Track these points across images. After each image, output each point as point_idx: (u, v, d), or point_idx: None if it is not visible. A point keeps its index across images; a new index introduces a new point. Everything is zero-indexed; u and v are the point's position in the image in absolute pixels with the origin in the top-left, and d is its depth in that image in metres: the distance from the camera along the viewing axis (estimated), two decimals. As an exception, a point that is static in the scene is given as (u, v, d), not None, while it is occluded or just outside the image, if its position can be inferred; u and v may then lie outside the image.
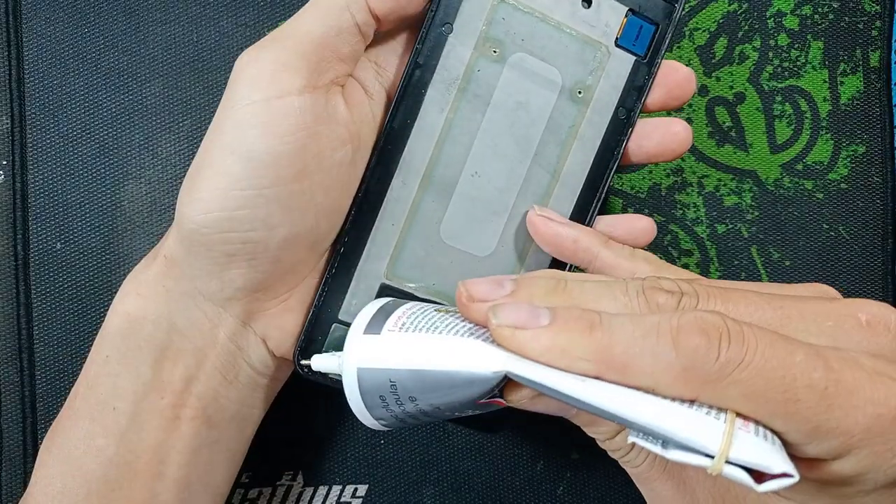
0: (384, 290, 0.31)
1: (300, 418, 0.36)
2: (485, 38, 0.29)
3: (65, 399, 0.36)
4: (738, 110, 0.38)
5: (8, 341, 0.35)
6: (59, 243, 0.36)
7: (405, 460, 0.37)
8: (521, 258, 0.32)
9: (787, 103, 0.38)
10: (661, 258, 0.38)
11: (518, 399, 0.25)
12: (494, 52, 0.30)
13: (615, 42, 0.30)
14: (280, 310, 0.30)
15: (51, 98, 0.36)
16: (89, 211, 0.36)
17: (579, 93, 0.30)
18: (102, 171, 0.36)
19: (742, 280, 0.38)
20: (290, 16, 0.36)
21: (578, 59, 0.30)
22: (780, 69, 0.38)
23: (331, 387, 0.30)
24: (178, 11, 0.36)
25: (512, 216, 0.31)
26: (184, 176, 0.36)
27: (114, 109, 0.36)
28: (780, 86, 0.38)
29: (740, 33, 0.37)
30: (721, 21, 0.37)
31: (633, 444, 0.25)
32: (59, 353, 0.36)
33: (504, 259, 0.32)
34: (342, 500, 0.37)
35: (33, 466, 0.35)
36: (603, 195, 0.31)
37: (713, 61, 0.37)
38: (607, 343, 0.21)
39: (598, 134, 0.31)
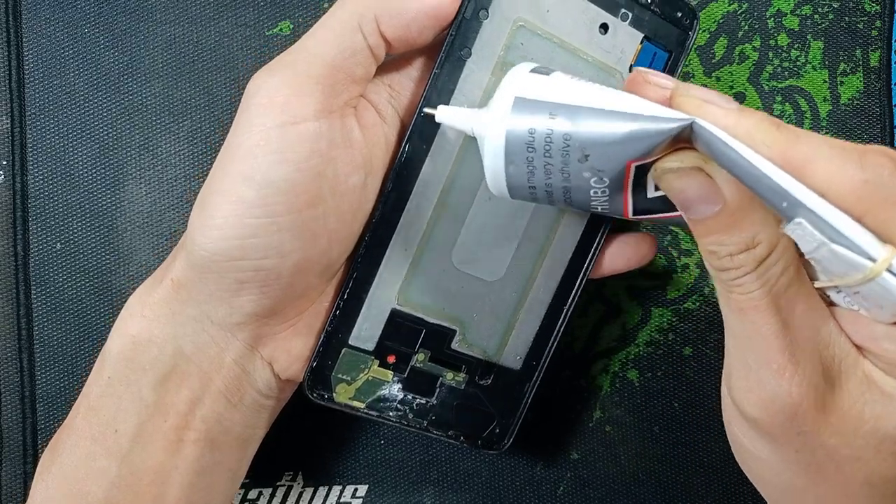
0: (395, 315, 0.31)
1: (300, 418, 0.36)
2: (503, 62, 0.29)
3: (65, 399, 0.36)
4: (738, 110, 0.38)
5: (8, 341, 0.35)
6: (59, 243, 0.36)
7: (405, 460, 0.37)
8: (530, 283, 0.32)
9: (787, 103, 0.38)
10: (661, 259, 0.38)
11: (673, 167, 0.23)
12: None
13: (629, 68, 0.31)
14: (289, 334, 0.30)
15: (51, 98, 0.36)
16: (89, 211, 0.36)
17: None
18: (102, 171, 0.36)
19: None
20: (288, 16, 0.36)
21: None
22: (780, 69, 0.38)
23: (338, 411, 0.30)
24: (178, 11, 0.36)
25: (522, 241, 0.31)
26: (183, 176, 0.36)
27: (114, 109, 0.36)
28: (780, 86, 0.38)
29: (740, 33, 0.37)
30: (721, 21, 0.37)
31: (755, 266, 0.23)
32: (59, 353, 0.36)
33: (513, 283, 0.32)
34: (342, 500, 0.37)
35: (33, 467, 0.35)
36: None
37: (713, 61, 0.37)
38: (793, 139, 0.21)
39: None
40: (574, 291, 0.32)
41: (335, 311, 0.30)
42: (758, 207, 0.22)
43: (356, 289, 0.30)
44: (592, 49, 0.30)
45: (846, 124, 0.38)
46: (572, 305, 0.33)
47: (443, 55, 0.29)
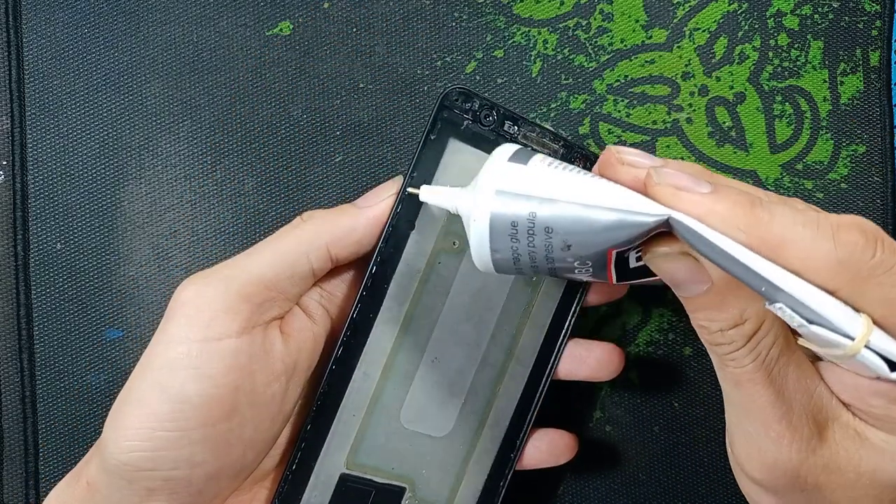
0: (344, 479, 0.31)
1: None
2: (446, 232, 0.31)
3: (65, 399, 0.36)
4: (738, 110, 0.38)
5: (8, 341, 0.35)
6: (59, 243, 0.36)
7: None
8: (478, 434, 0.33)
9: (787, 103, 0.38)
10: (660, 258, 0.38)
11: (660, 253, 0.24)
12: (454, 244, 0.31)
13: None
14: None
15: (51, 98, 0.36)
16: (89, 211, 0.36)
17: (532, 277, 0.32)
18: (102, 171, 0.36)
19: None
20: (288, 17, 0.36)
21: None
22: (780, 69, 0.38)
23: None
24: (177, 12, 0.36)
25: (469, 395, 0.32)
26: (183, 176, 0.36)
27: (114, 110, 0.36)
28: (780, 86, 0.38)
29: (740, 33, 0.37)
30: (721, 21, 0.37)
31: (745, 342, 0.24)
32: (59, 353, 0.36)
33: (461, 437, 0.33)
34: (342, 499, 0.37)
35: (35, 467, 0.36)
36: (555, 367, 0.33)
37: (713, 61, 0.37)
38: (767, 220, 0.22)
39: (550, 312, 0.33)
40: (521, 438, 0.33)
41: (283, 483, 0.31)
42: (743, 286, 0.23)
43: (305, 458, 0.31)
44: None
45: (846, 124, 0.38)
46: (519, 452, 0.33)
47: (388, 229, 0.30)
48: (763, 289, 0.22)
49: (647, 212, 0.23)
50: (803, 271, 0.22)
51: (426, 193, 0.29)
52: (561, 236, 0.24)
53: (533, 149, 0.28)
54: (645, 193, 0.24)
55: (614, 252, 0.24)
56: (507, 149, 0.26)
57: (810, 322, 0.21)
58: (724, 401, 0.27)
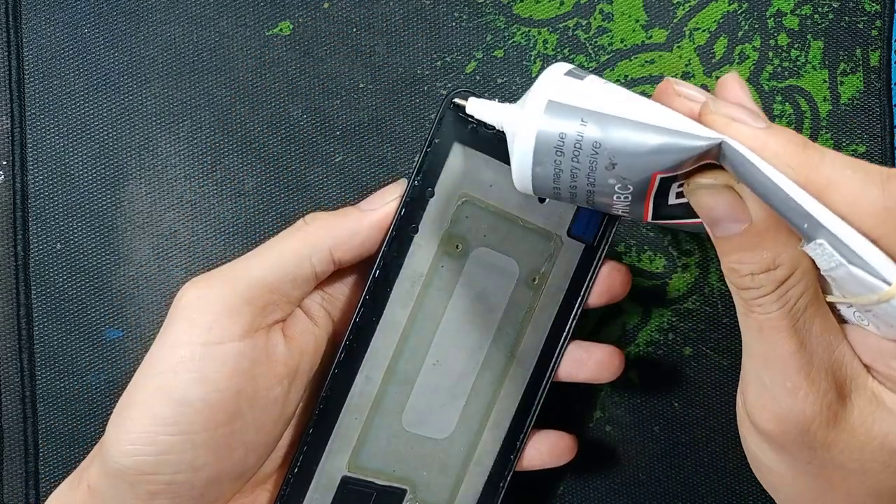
0: (345, 482, 0.31)
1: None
2: (449, 235, 0.31)
3: (65, 399, 0.36)
4: (738, 110, 0.38)
5: (8, 341, 0.35)
6: (59, 243, 0.36)
7: None
8: (478, 437, 0.33)
9: (787, 103, 0.38)
10: (661, 259, 0.38)
11: (704, 183, 0.24)
12: (457, 247, 0.31)
13: (567, 232, 0.32)
14: None
15: (51, 98, 0.36)
16: (89, 211, 0.36)
17: (534, 280, 0.32)
18: (102, 171, 0.36)
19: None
20: (288, 16, 0.36)
21: (534, 250, 0.32)
22: (780, 69, 0.38)
23: None
24: (177, 12, 0.36)
25: (471, 397, 0.32)
26: (183, 176, 0.36)
27: (114, 110, 0.36)
28: (780, 86, 0.38)
29: (740, 33, 0.37)
30: (721, 21, 0.37)
31: (775, 288, 0.24)
32: (59, 353, 0.36)
33: (462, 439, 0.33)
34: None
35: (35, 466, 0.36)
36: (556, 370, 0.33)
37: (713, 61, 0.37)
38: (818, 161, 0.22)
39: (551, 315, 0.33)
40: (521, 440, 0.33)
41: (284, 486, 0.31)
42: (781, 230, 0.23)
43: (307, 461, 0.31)
44: (533, 217, 0.32)
45: (846, 124, 0.38)
46: (519, 453, 0.33)
47: (392, 233, 0.30)
48: (805, 225, 0.21)
49: (701, 134, 0.23)
50: (848, 215, 0.21)
51: (474, 105, 0.28)
52: (608, 153, 0.23)
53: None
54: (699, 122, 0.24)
55: (658, 177, 0.24)
56: (564, 65, 0.25)
57: (849, 262, 0.21)
58: (742, 350, 0.26)
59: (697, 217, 0.25)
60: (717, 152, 0.23)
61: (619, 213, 0.26)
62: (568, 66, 0.25)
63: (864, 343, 0.25)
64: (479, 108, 0.28)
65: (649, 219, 0.26)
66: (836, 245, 0.21)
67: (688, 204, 0.25)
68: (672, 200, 0.25)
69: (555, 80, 0.24)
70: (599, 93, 0.24)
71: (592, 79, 0.25)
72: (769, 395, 0.25)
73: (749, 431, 0.27)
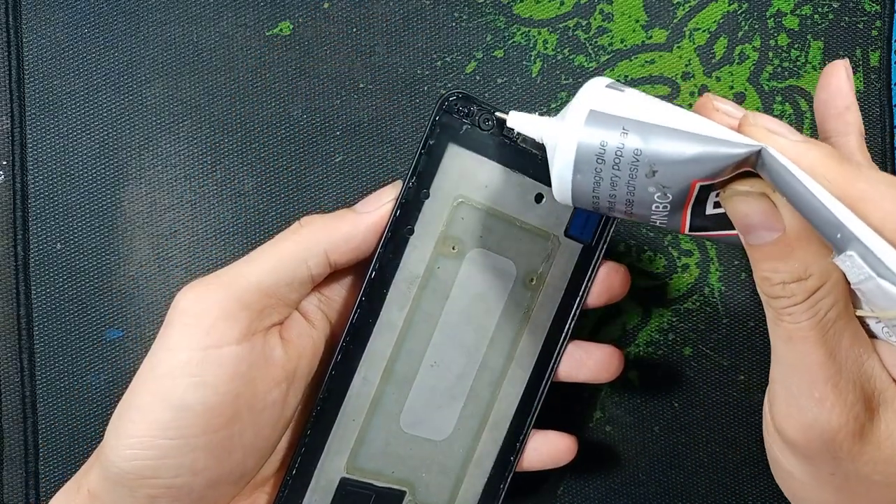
0: (344, 484, 0.31)
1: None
2: (444, 237, 0.31)
3: (65, 399, 0.36)
4: (738, 110, 0.38)
5: (8, 341, 0.35)
6: (59, 243, 0.36)
7: (405, 460, 0.37)
8: (477, 438, 0.33)
9: (787, 103, 0.38)
10: (661, 259, 0.38)
11: (740, 191, 0.24)
12: (453, 248, 0.31)
13: (565, 232, 0.32)
14: None
15: (51, 98, 0.36)
16: (89, 211, 0.36)
17: (531, 280, 0.32)
18: (102, 171, 0.36)
19: (742, 283, 0.38)
20: (288, 17, 0.36)
21: (531, 250, 0.32)
22: (780, 69, 0.38)
23: None
24: (177, 12, 0.36)
25: (469, 399, 0.32)
26: (183, 176, 0.36)
27: (114, 109, 0.36)
28: (780, 86, 0.38)
29: (740, 33, 0.37)
30: (721, 21, 0.37)
31: (805, 298, 0.24)
32: (59, 353, 0.36)
33: (461, 440, 0.33)
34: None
35: (35, 467, 0.36)
36: (555, 370, 0.33)
37: (713, 61, 0.37)
38: (853, 175, 0.22)
39: (549, 316, 0.33)
40: (520, 441, 0.33)
41: (283, 488, 0.31)
42: (813, 241, 0.23)
43: (305, 462, 0.31)
44: (529, 217, 0.32)
45: (846, 124, 0.38)
46: (519, 454, 0.33)
47: (387, 234, 0.30)
48: (838, 235, 0.22)
49: (740, 142, 0.23)
50: (881, 229, 0.22)
51: (515, 119, 0.28)
52: (649, 160, 0.23)
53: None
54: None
55: (698, 185, 0.24)
56: (604, 79, 0.26)
57: (878, 275, 0.21)
58: (771, 359, 0.26)
59: (733, 230, 0.25)
60: (755, 160, 0.23)
61: (657, 223, 0.26)
62: (608, 80, 0.26)
63: (892, 358, 0.25)
64: (520, 122, 0.28)
65: (686, 230, 0.26)
66: (867, 257, 0.22)
67: (724, 216, 0.25)
68: (709, 211, 0.26)
69: (596, 92, 0.25)
70: (640, 104, 0.24)
71: (632, 91, 0.25)
72: (796, 404, 0.25)
73: (774, 439, 0.27)
